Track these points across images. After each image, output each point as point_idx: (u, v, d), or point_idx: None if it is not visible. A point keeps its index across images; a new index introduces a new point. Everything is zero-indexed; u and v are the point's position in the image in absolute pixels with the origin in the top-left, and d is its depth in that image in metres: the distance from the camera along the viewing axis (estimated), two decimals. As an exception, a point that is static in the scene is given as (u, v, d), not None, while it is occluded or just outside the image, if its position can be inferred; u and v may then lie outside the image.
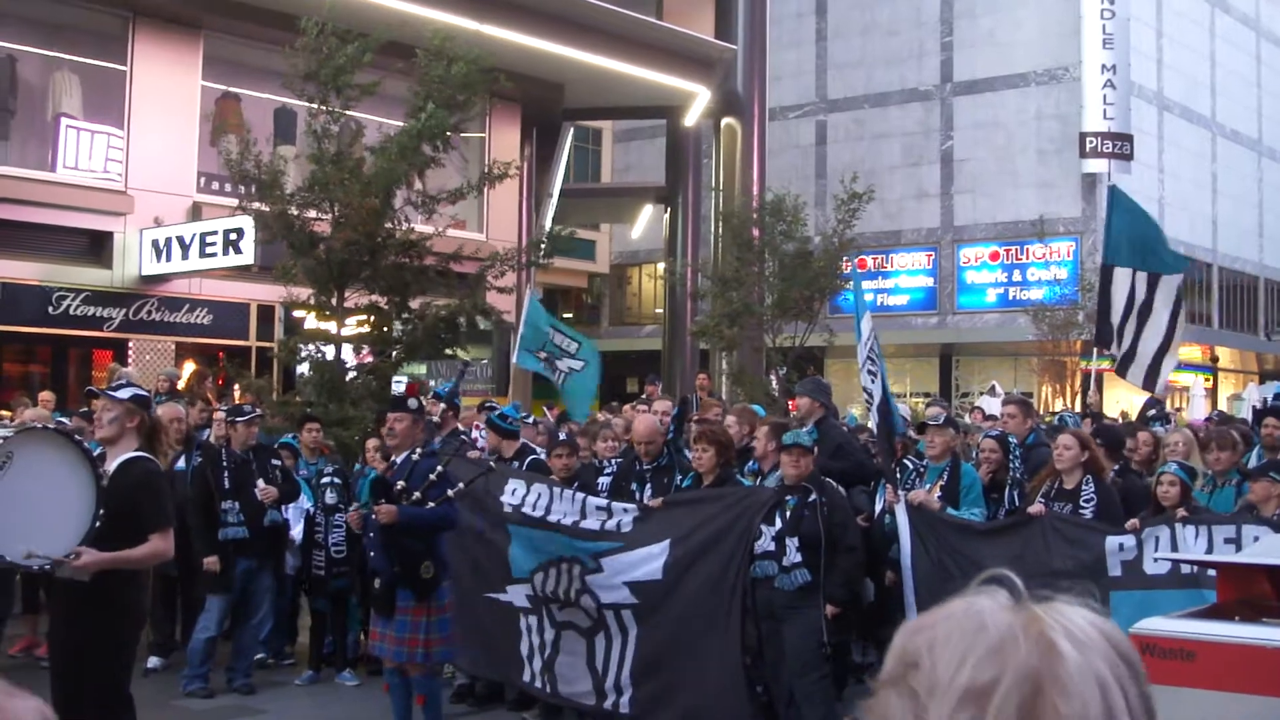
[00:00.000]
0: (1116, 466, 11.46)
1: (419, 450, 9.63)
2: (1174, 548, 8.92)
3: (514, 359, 16.89)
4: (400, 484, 9.33)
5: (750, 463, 11.72)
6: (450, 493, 9.44)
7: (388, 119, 18.41)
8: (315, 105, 15.76)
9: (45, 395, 17.70)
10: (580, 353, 17.29)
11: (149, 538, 6.98)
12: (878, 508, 11.16)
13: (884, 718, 1.31)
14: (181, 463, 12.64)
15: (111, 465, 7.15)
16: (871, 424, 10.36)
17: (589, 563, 10.22)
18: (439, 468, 9.48)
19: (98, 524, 6.77)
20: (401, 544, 9.21)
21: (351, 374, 15.62)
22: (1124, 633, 1.33)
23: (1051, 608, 1.32)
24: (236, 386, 18.73)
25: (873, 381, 10.00)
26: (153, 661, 12.30)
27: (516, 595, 10.66)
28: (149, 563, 7.32)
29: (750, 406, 14.10)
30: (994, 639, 1.28)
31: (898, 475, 10.74)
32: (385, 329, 15.89)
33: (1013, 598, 1.34)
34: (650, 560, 10.05)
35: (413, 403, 9.96)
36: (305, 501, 12.85)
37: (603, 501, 10.50)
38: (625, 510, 10.34)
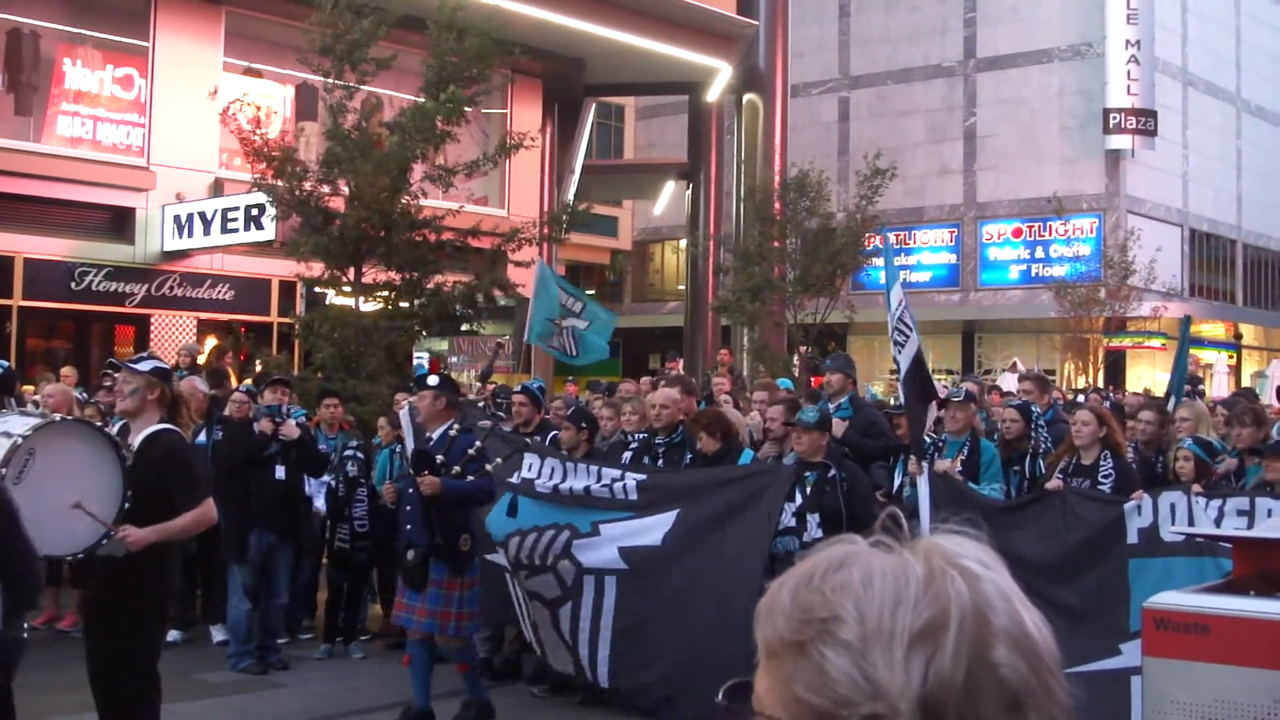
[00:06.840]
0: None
1: (456, 426, 9.74)
2: (1189, 515, 8.88)
3: (525, 337, 16.72)
4: (439, 458, 9.45)
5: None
6: (488, 467, 9.57)
7: (405, 94, 18.40)
8: (331, 80, 15.76)
9: (67, 370, 17.71)
10: (585, 313, 17.01)
11: (190, 511, 6.97)
12: (896, 481, 11.16)
13: (819, 680, 1.27)
14: (202, 437, 12.67)
15: (136, 439, 7.16)
16: (899, 395, 10.35)
17: (585, 528, 10.16)
18: (477, 443, 9.61)
19: (127, 505, 6.80)
20: (442, 516, 9.33)
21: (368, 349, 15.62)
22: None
23: (932, 543, 1.35)
24: (257, 362, 18.80)
25: (899, 352, 9.93)
26: (172, 635, 12.32)
27: (499, 559, 10.70)
28: (195, 530, 7.31)
29: (774, 381, 14.11)
30: (921, 576, 1.30)
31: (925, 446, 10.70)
32: (402, 305, 15.89)
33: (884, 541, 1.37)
34: (654, 529, 10.00)
35: (433, 380, 10.08)
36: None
37: (617, 471, 10.47)
38: (635, 476, 10.30)
